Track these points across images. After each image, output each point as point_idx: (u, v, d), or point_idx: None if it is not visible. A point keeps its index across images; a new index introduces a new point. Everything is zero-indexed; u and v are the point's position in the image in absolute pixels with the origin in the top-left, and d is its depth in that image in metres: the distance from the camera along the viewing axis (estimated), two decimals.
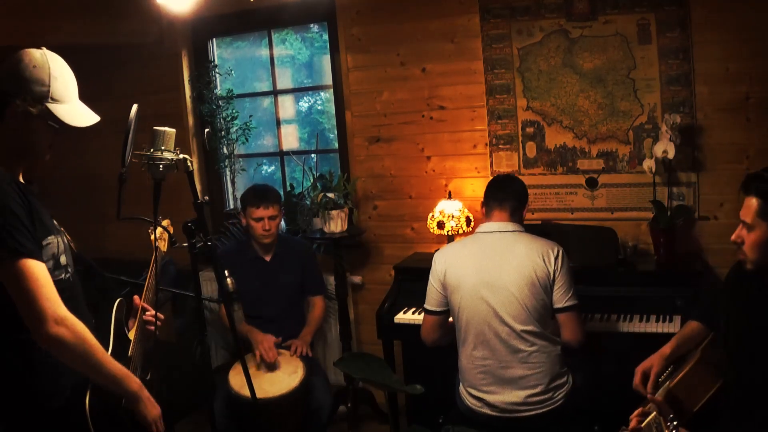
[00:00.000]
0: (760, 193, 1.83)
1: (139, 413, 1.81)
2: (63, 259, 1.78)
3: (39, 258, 1.65)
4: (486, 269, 2.51)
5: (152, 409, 1.83)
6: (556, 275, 2.48)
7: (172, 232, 2.30)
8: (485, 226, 2.63)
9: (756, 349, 1.84)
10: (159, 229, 2.23)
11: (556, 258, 2.49)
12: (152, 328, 2.13)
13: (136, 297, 2.13)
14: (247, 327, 3.21)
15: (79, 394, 1.73)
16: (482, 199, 2.73)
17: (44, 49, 1.77)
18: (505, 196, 2.62)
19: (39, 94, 1.73)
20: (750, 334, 1.87)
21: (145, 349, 2.06)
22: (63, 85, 1.77)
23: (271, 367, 3.11)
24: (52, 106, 1.74)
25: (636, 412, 1.83)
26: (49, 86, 1.73)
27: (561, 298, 2.49)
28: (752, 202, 1.84)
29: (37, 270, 1.62)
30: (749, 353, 1.86)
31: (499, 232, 2.58)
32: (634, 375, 2.14)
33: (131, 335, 2.04)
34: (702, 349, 2.02)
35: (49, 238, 1.74)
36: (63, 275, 1.77)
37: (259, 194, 3.33)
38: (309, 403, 3.13)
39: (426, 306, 2.69)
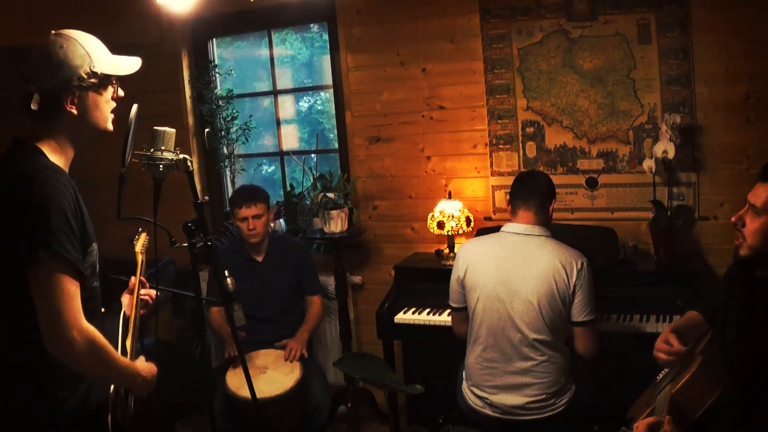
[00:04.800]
0: None
1: (148, 395, 1.83)
2: (97, 268, 1.76)
3: (78, 269, 1.60)
4: (507, 273, 2.47)
5: (152, 383, 1.85)
6: (577, 289, 2.43)
7: (146, 245, 2.34)
8: (510, 226, 2.56)
9: (751, 354, 1.82)
10: (141, 242, 2.27)
11: (580, 271, 2.43)
12: (148, 299, 2.17)
13: (132, 278, 2.15)
14: (227, 332, 3.21)
15: (97, 402, 1.72)
16: (509, 196, 2.65)
17: (52, 32, 1.74)
18: (528, 194, 2.55)
19: (86, 64, 1.70)
20: (745, 338, 1.85)
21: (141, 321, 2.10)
22: (95, 45, 1.76)
23: (268, 366, 3.12)
24: (103, 68, 1.73)
25: (645, 422, 1.81)
26: (88, 52, 1.72)
27: (580, 312, 2.45)
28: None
29: (69, 282, 1.57)
30: (745, 358, 1.84)
31: (524, 234, 2.52)
32: (657, 354, 2.06)
33: (127, 310, 2.07)
34: (703, 351, 2.01)
35: (92, 245, 1.71)
36: (95, 283, 1.75)
37: (242, 194, 3.36)
38: (307, 404, 3.13)
39: (450, 303, 2.70)
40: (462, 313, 2.66)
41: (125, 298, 2.13)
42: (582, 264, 2.45)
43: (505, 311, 2.45)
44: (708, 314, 2.17)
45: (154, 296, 2.21)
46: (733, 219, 1.86)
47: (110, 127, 1.81)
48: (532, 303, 2.42)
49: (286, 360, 3.18)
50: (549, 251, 2.47)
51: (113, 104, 1.81)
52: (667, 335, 2.09)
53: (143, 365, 1.84)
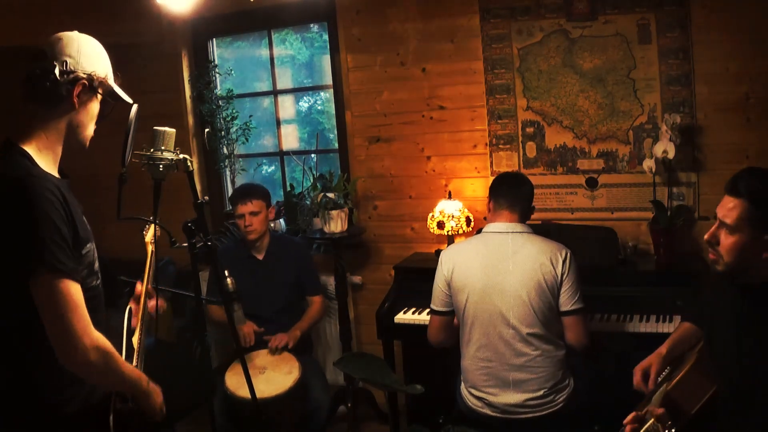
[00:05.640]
0: (748, 195, 1.74)
1: (149, 406, 1.79)
2: (96, 266, 1.74)
3: (76, 278, 1.57)
4: (493, 270, 2.49)
5: (158, 396, 1.81)
6: (564, 278, 2.46)
7: (158, 235, 2.31)
8: (493, 226, 2.59)
9: (741, 357, 1.81)
10: (151, 232, 2.24)
11: (564, 261, 2.47)
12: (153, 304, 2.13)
13: (138, 282, 2.12)
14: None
15: (99, 404, 1.71)
16: (489, 194, 2.68)
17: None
18: (516, 199, 2.59)
19: (105, 70, 1.70)
20: (734, 342, 1.84)
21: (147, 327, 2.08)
22: (109, 61, 1.76)
23: (267, 367, 3.13)
24: (113, 86, 1.74)
25: (630, 418, 1.81)
26: (108, 65, 1.72)
27: (567, 301, 2.47)
28: (738, 204, 1.75)
29: (72, 291, 1.55)
30: (734, 360, 1.83)
31: (507, 232, 2.55)
32: (634, 375, 2.12)
33: (134, 320, 2.05)
34: (699, 351, 2.01)
35: (87, 245, 1.68)
36: (94, 282, 1.73)
37: (239, 191, 3.42)
38: (307, 403, 3.13)
39: (432, 306, 2.68)
40: (444, 318, 2.65)
41: (132, 305, 2.10)
42: (566, 254, 2.49)
43: (496, 308, 2.47)
44: (700, 320, 2.16)
45: (162, 307, 2.16)
46: (706, 237, 1.84)
47: (87, 144, 1.78)
48: (522, 297, 2.44)
49: (269, 347, 3.19)
50: (533, 245, 2.50)
51: (94, 125, 1.79)
52: (653, 362, 2.07)
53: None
